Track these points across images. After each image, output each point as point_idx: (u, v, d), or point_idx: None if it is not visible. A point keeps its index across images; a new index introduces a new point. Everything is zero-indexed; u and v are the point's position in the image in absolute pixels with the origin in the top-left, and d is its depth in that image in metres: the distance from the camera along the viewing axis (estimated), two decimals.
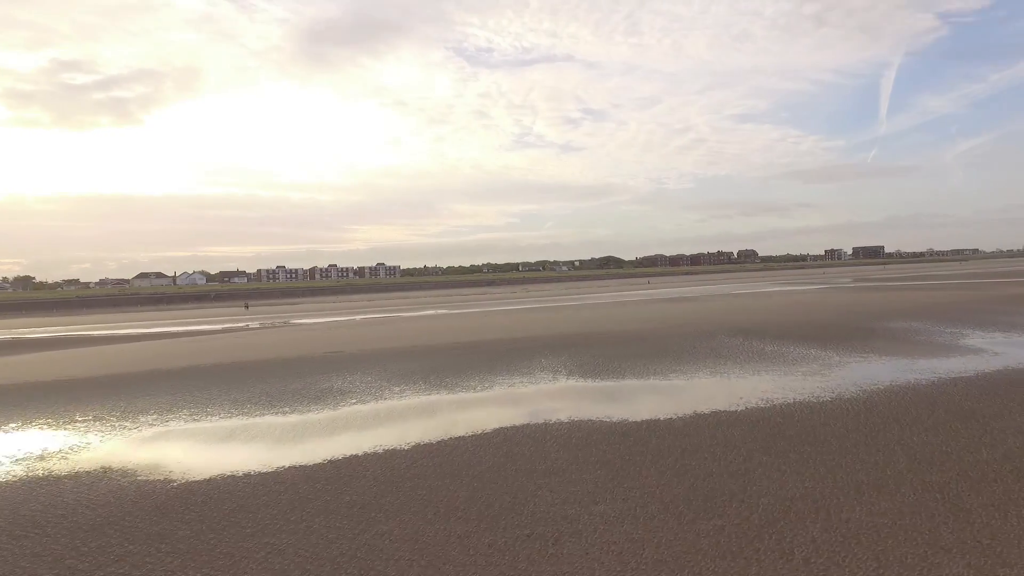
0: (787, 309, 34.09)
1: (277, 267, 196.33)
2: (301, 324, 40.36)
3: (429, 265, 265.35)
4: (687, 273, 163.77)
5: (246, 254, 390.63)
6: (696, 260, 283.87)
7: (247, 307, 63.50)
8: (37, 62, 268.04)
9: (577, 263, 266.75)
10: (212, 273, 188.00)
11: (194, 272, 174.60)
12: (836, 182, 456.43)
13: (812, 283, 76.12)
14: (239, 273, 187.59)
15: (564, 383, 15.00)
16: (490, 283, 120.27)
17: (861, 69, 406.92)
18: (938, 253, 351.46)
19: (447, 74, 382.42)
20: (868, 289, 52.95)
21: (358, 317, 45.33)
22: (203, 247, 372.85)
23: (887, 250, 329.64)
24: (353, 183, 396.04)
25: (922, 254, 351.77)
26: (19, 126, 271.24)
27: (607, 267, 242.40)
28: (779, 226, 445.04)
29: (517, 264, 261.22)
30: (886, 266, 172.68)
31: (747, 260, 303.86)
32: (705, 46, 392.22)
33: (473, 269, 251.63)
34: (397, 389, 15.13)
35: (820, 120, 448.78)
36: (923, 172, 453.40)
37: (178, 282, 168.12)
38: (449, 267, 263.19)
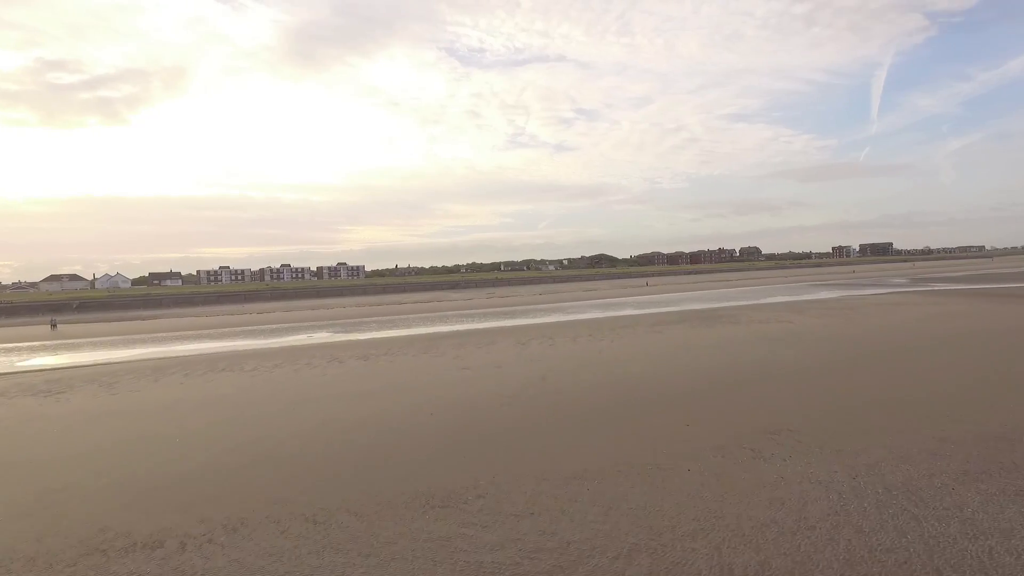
0: (981, 345, 15.34)
1: (220, 267, 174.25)
2: None
3: (424, 265, 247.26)
4: (691, 272, 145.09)
5: (239, 255, 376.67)
6: (696, 258, 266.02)
7: (54, 326, 44.22)
8: (22, 61, 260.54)
9: (565, 262, 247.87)
10: (144, 275, 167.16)
11: (116, 274, 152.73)
12: (829, 181, 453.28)
13: (870, 285, 57.79)
14: (172, 275, 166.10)
15: None
16: (453, 286, 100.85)
17: (852, 69, 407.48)
18: (947, 250, 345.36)
19: (440, 74, 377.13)
20: (988, 296, 34.49)
21: (177, 348, 26.29)
22: (196, 248, 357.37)
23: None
24: (346, 184, 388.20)
25: (930, 251, 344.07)
26: (6, 126, 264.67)
27: (599, 266, 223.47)
28: (773, 225, 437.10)
29: (500, 263, 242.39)
30: (914, 264, 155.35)
31: (750, 257, 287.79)
32: (697, 46, 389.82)
33: (453, 269, 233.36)
34: None
35: (812, 119, 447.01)
36: (915, 171, 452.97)
37: (97, 285, 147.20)
38: (432, 267, 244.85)
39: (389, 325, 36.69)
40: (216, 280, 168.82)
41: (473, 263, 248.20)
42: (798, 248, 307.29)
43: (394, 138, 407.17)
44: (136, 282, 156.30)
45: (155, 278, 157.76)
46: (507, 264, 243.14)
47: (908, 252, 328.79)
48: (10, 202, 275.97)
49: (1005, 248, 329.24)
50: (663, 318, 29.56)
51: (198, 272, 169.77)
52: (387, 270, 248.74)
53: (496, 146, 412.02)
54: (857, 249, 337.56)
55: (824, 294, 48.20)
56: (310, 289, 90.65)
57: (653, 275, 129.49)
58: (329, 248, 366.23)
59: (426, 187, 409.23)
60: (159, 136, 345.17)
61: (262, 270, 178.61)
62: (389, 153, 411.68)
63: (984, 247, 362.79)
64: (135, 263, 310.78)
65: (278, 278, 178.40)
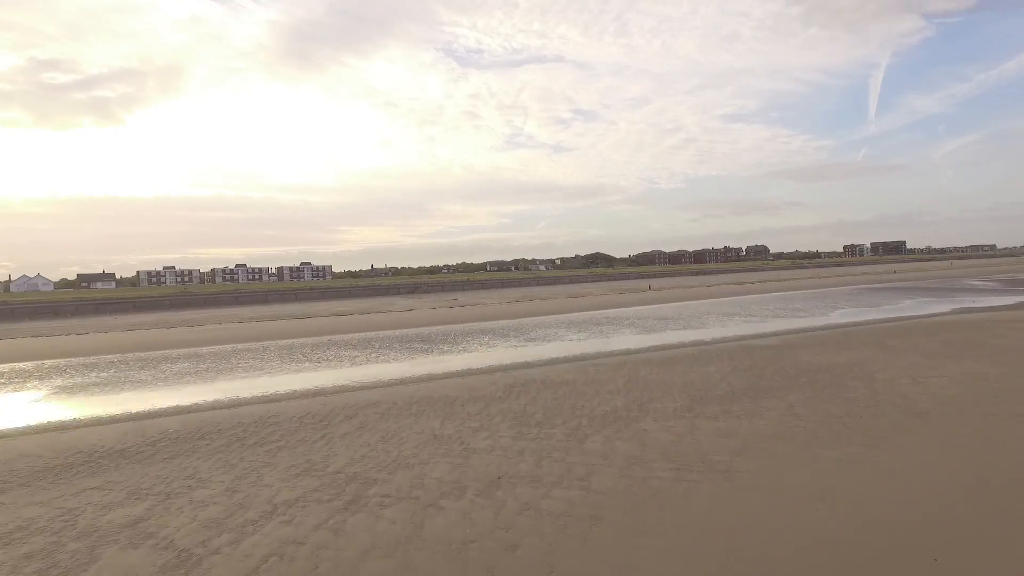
0: None
1: (165, 268, 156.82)
2: None
3: (415, 266, 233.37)
4: (697, 273, 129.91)
5: (237, 256, 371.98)
6: (700, 257, 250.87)
7: None
8: (15, 61, 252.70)
9: (558, 261, 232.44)
10: (112, 275, 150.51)
11: (37, 275, 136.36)
12: (826, 181, 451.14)
13: (956, 291, 43.05)
14: (105, 276, 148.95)
15: None
16: (413, 290, 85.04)
17: (849, 69, 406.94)
18: (958, 249, 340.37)
19: (437, 75, 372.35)
20: None
21: None
22: (194, 249, 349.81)
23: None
24: (344, 184, 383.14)
25: (943, 251, 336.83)
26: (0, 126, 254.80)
27: (594, 265, 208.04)
28: (771, 225, 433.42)
29: (485, 264, 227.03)
30: (952, 264, 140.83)
31: (758, 256, 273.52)
32: (694, 47, 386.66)
33: (434, 269, 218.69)
34: None
35: (809, 120, 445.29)
36: (912, 171, 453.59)
37: (13, 288, 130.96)
38: (420, 267, 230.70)
39: (207, 371, 21.21)
40: (159, 281, 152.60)
41: (463, 263, 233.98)
42: (797, 247, 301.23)
43: (391, 139, 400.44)
44: (65, 285, 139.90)
45: (85, 280, 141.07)
46: (494, 264, 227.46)
47: (921, 251, 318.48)
48: (8, 202, 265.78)
49: (1016, 247, 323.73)
50: (703, 373, 14.08)
51: (138, 273, 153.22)
52: (363, 271, 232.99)
53: (494, 146, 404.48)
54: (868, 248, 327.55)
55: (915, 304, 32.94)
56: (230, 295, 74.86)
57: (656, 276, 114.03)
58: (327, 249, 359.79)
59: (424, 188, 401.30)
60: (155, 136, 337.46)
61: (213, 270, 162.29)
62: (387, 154, 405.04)
63: (995, 246, 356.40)
64: (132, 263, 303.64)
65: (232, 279, 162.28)
